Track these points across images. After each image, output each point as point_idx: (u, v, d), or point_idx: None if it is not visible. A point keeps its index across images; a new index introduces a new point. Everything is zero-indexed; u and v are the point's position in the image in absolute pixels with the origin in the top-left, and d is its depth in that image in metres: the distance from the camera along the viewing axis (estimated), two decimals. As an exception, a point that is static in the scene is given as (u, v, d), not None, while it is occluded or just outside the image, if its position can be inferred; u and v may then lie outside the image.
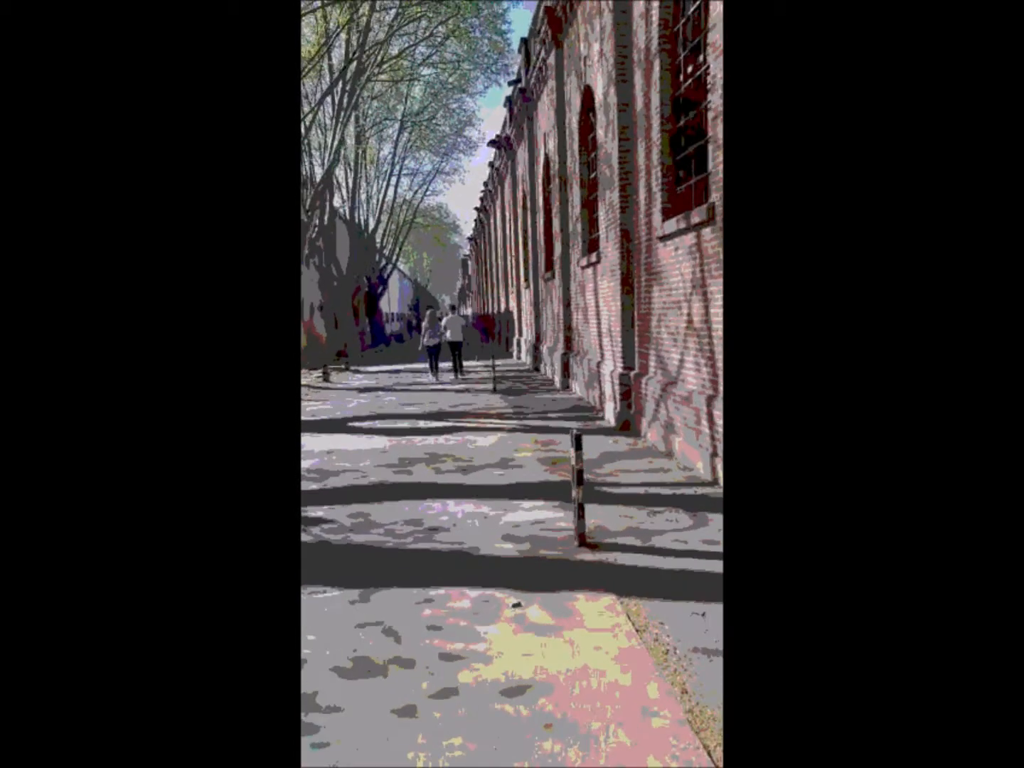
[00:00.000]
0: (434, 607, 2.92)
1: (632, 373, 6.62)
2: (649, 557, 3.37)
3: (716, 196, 4.46)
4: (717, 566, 3.18)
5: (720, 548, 3.43)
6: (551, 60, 10.04)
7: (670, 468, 5.10)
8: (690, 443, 5.03)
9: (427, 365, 13.69)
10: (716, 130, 4.40)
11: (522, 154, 14.72)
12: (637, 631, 2.64)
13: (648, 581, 3.08)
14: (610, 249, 7.05)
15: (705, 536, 3.62)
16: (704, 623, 2.68)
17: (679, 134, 5.52)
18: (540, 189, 12.65)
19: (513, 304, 18.49)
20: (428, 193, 30.45)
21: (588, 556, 3.42)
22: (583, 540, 3.57)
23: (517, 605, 2.90)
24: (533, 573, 3.24)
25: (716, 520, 3.85)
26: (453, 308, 16.36)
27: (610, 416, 7.09)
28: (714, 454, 4.60)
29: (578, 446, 3.52)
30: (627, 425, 6.69)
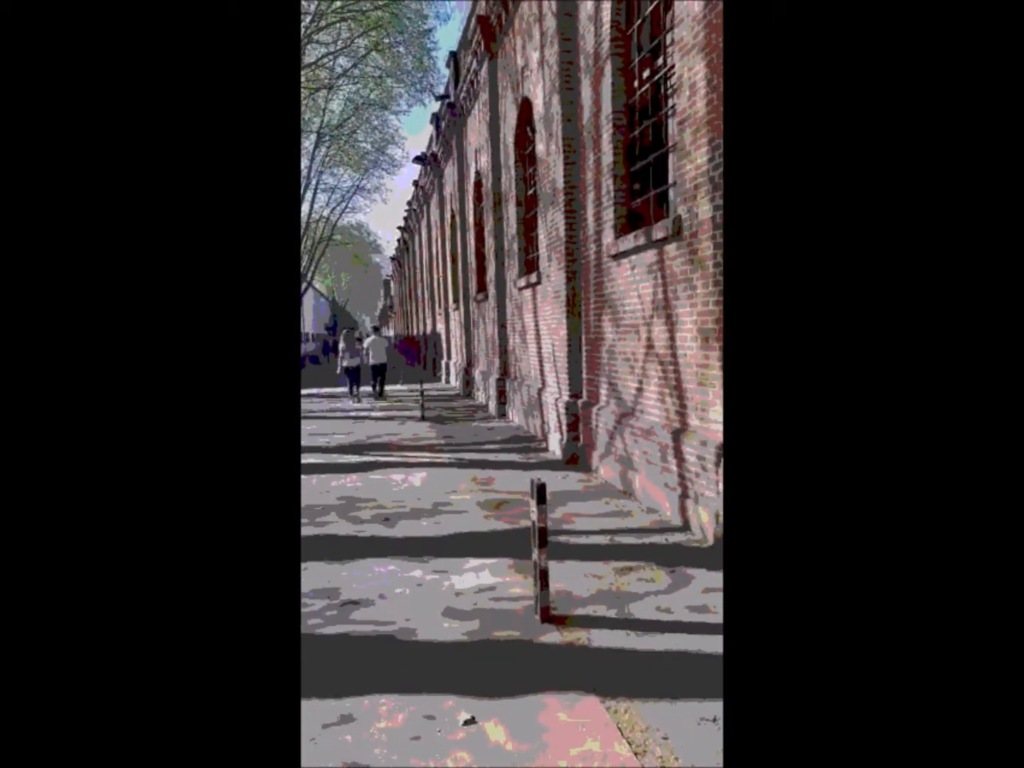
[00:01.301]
0: (354, 729, 2.14)
1: (580, 402, 6.08)
2: (629, 635, 2.73)
3: (682, 208, 4.02)
4: (714, 643, 2.59)
5: (711, 618, 2.85)
6: (484, 72, 9.59)
7: (632, 510, 4.53)
8: (654, 482, 4.49)
9: (346, 389, 13.12)
10: (683, 137, 3.97)
11: (450, 171, 14.19)
12: (635, 754, 1.98)
13: (635, 671, 2.45)
14: (553, 269, 6.54)
15: (689, 600, 3.05)
16: (718, 733, 2.07)
17: (633, 144, 5.10)
18: (471, 207, 12.12)
19: (441, 326, 17.76)
20: (348, 210, 29.36)
21: (555, 637, 2.74)
22: (547, 615, 2.89)
23: (470, 721, 2.17)
24: (488, 666, 2.52)
25: (698, 577, 3.30)
26: (376, 329, 15.54)
27: (555, 448, 6.51)
28: (684, 495, 4.08)
29: (541, 498, 2.86)
30: (575, 459, 6.12)
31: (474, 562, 3.67)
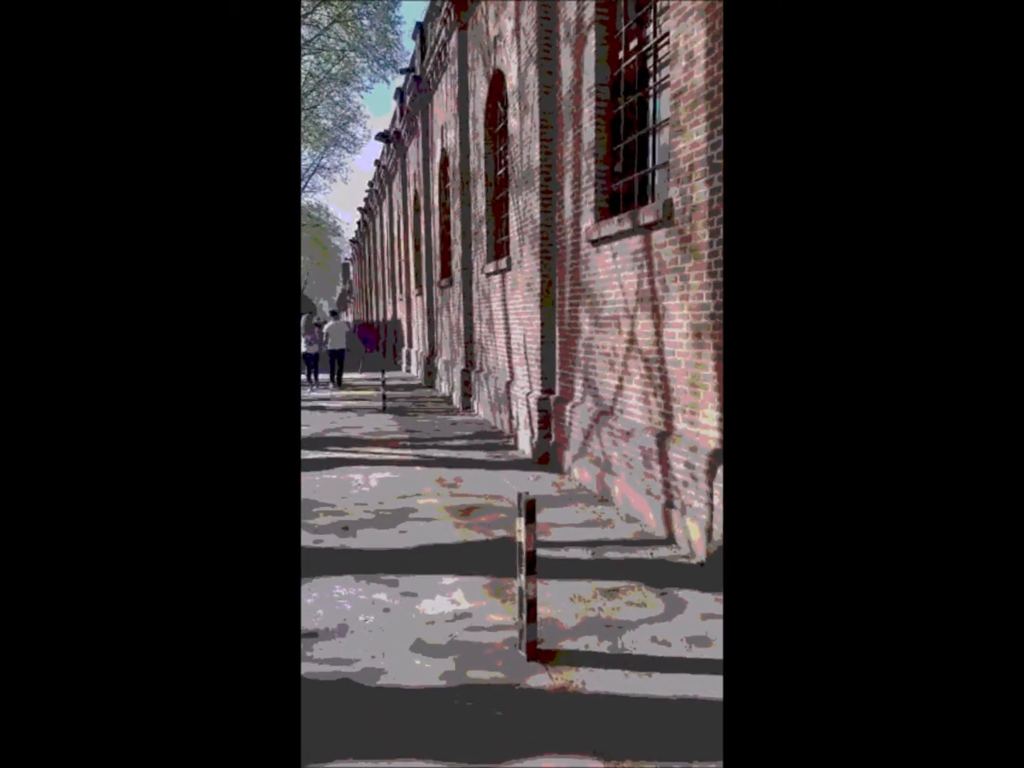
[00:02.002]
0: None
1: (553, 397, 5.73)
2: (628, 676, 2.40)
3: (674, 191, 3.68)
4: (719, 685, 2.29)
5: (713, 652, 2.55)
6: (453, 43, 9.04)
7: (611, 519, 4.22)
8: (635, 488, 4.19)
9: (304, 376, 12.56)
10: (677, 111, 3.62)
11: (414, 150, 13.55)
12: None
13: (640, 724, 2.11)
14: (525, 255, 6.14)
15: (687, 629, 2.74)
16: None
17: (617, 120, 4.73)
18: (436, 188, 11.56)
19: (402, 312, 17.13)
20: (307, 190, 28.16)
21: (544, 679, 2.39)
22: (533, 651, 2.54)
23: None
24: (469, 721, 2.15)
25: (692, 602, 3.00)
26: (335, 314, 14.88)
27: (525, 446, 6.15)
28: (668, 504, 3.78)
29: (530, 516, 2.49)
30: (546, 458, 5.78)
31: (446, 580, 3.28)
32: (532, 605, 2.52)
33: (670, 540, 3.75)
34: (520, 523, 2.50)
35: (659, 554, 3.58)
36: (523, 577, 2.51)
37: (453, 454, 6.29)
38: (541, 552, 3.62)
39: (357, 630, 2.80)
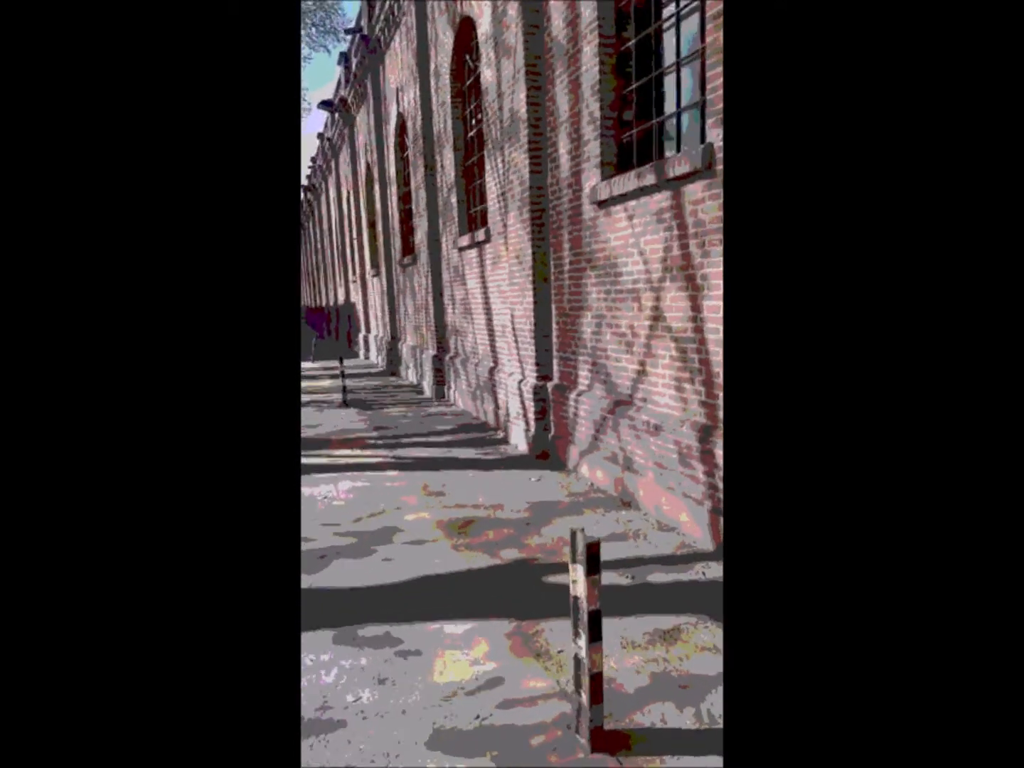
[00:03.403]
0: None
1: (551, 385, 5.05)
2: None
3: (715, 134, 3.01)
4: None
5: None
6: (409, -9, 8.08)
7: (641, 528, 3.60)
8: (669, 491, 3.57)
9: None
10: (718, 37, 2.93)
11: (364, 117, 12.46)
12: None
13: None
14: (512, 223, 5.40)
15: (784, 684, 2.14)
16: None
17: (624, 58, 4.02)
18: (392, 157, 10.58)
19: (356, 295, 16.06)
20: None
21: (625, 784, 1.74)
22: (600, 738, 1.88)
23: None
24: None
25: (776, 641, 2.40)
26: (284, 299, 13.68)
27: (519, 440, 5.47)
28: (716, 510, 3.18)
29: (592, 566, 1.80)
30: (545, 454, 5.11)
31: (456, 628, 2.59)
32: (598, 680, 1.86)
33: (719, 553, 3.15)
34: (578, 572, 1.82)
35: (712, 573, 2.98)
36: (584, 644, 1.84)
37: (435, 453, 5.54)
38: (562, 579, 2.96)
39: (346, 719, 2.07)
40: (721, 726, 1.95)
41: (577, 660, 1.89)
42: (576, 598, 1.85)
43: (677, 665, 2.27)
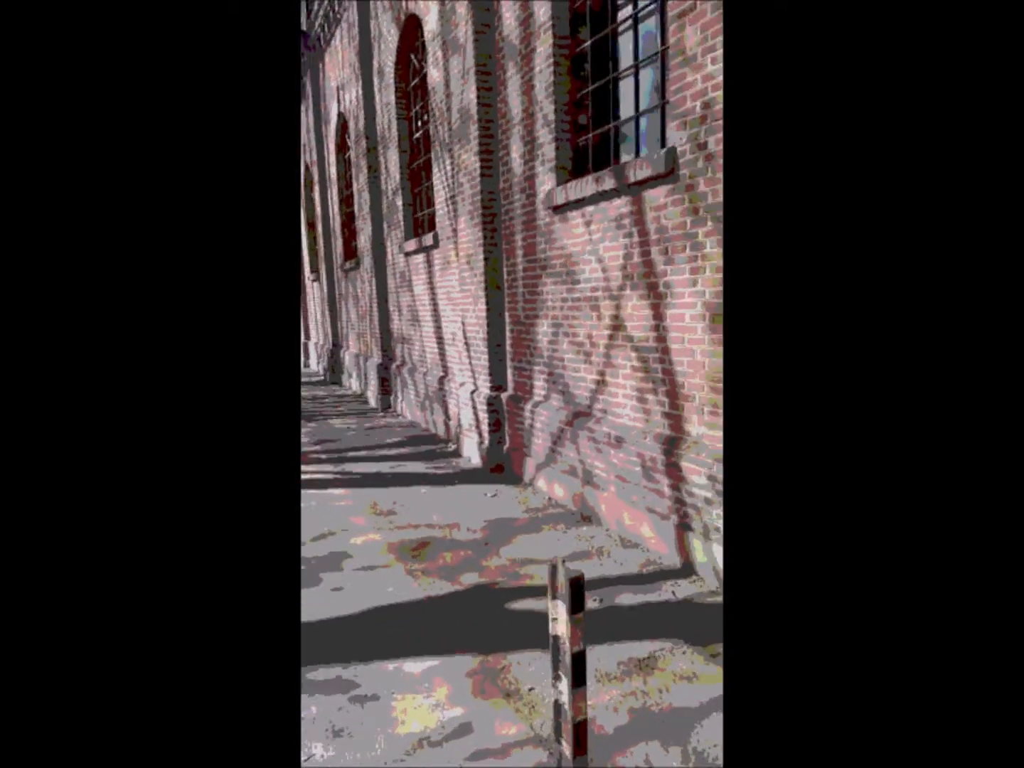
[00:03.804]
0: None
1: (505, 396, 4.88)
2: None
3: (678, 137, 2.93)
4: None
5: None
6: (350, -14, 7.78)
7: (604, 545, 3.47)
8: (633, 506, 3.46)
9: None
10: (683, 37, 2.86)
11: (304, 117, 11.97)
12: None
13: None
14: (462, 227, 5.21)
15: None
16: None
17: (580, 60, 3.92)
18: (332, 159, 10.19)
19: (295, 301, 15.39)
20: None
21: (615, 845, 1.57)
22: (586, 792, 1.70)
23: None
24: None
25: (755, 664, 2.30)
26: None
27: (472, 453, 5.26)
28: (683, 525, 3.09)
29: (576, 603, 1.64)
30: (500, 468, 4.93)
31: (416, 667, 2.36)
32: (582, 729, 1.69)
33: (688, 570, 3.06)
34: (559, 609, 1.65)
35: (683, 592, 2.87)
36: (566, 688, 1.66)
37: (383, 468, 5.26)
38: (529, 603, 2.79)
39: (304, 781, 1.82)
40: (709, 764, 1.82)
41: (557, 706, 1.71)
42: (556, 637, 1.68)
43: (657, 699, 2.14)
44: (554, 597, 1.67)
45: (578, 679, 1.65)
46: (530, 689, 2.21)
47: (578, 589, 1.62)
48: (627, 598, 2.84)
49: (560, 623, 1.65)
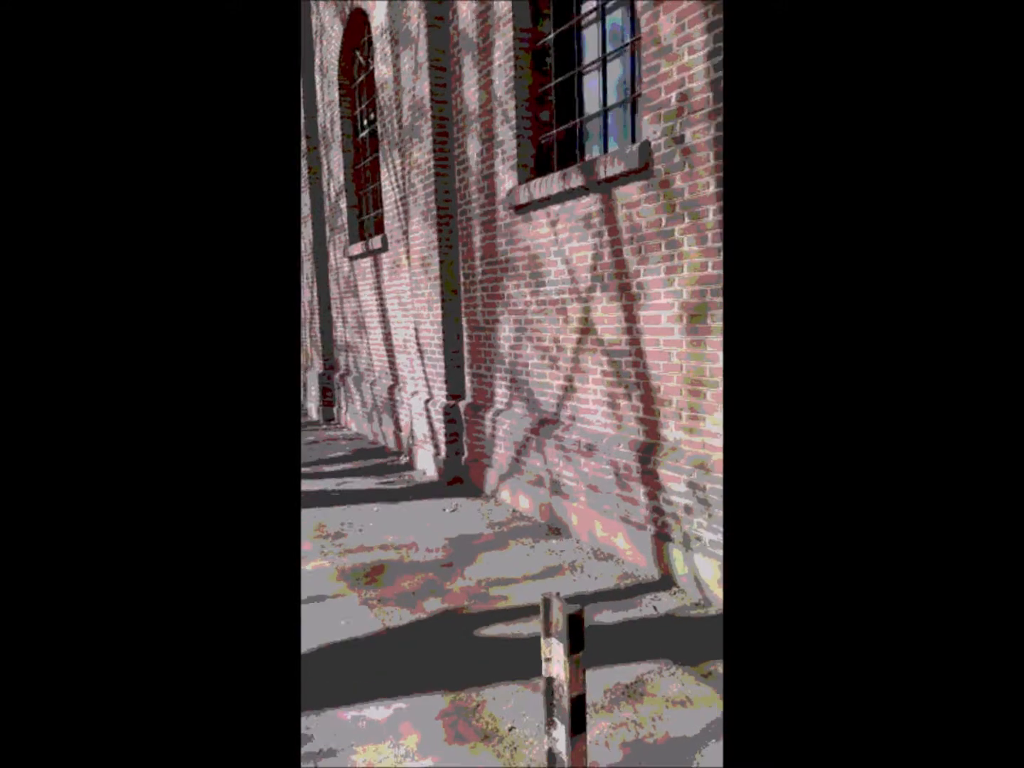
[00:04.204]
0: None
1: (463, 404, 4.64)
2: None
3: (652, 131, 2.82)
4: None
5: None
6: (290, -22, 7.42)
7: (577, 559, 3.27)
8: (605, 515, 3.28)
9: None
10: (656, 26, 2.75)
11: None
12: None
13: None
14: (415, 228, 4.95)
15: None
16: None
17: (542, 54, 3.78)
18: (271, 160, 9.69)
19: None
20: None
21: None
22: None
23: None
24: None
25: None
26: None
27: (427, 466, 4.97)
28: (661, 536, 2.93)
29: (575, 642, 1.42)
30: (459, 479, 4.67)
31: (378, 712, 2.08)
32: (588, 777, 1.47)
33: (668, 582, 2.90)
34: (554, 649, 1.43)
35: (665, 606, 2.71)
36: (563, 736, 1.44)
37: (329, 485, 4.89)
38: (499, 628, 2.56)
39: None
40: (720, 807, 1.63)
41: (552, 755, 1.49)
42: (551, 680, 1.46)
43: (651, 728, 1.94)
44: (548, 635, 1.45)
45: (577, 725, 1.44)
46: (510, 728, 1.98)
47: (577, 626, 1.41)
48: (607, 616, 2.64)
49: (555, 663, 1.43)
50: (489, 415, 4.26)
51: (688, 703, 2.06)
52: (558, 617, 1.42)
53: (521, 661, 2.32)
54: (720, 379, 2.63)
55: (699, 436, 2.76)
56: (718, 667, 2.24)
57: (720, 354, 2.62)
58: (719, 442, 2.67)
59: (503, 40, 3.82)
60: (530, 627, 2.57)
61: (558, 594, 1.46)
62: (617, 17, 3.25)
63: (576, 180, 3.24)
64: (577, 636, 1.41)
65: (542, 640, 1.47)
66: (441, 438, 4.67)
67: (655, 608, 2.70)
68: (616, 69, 3.29)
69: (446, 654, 2.39)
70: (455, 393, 4.71)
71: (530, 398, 3.93)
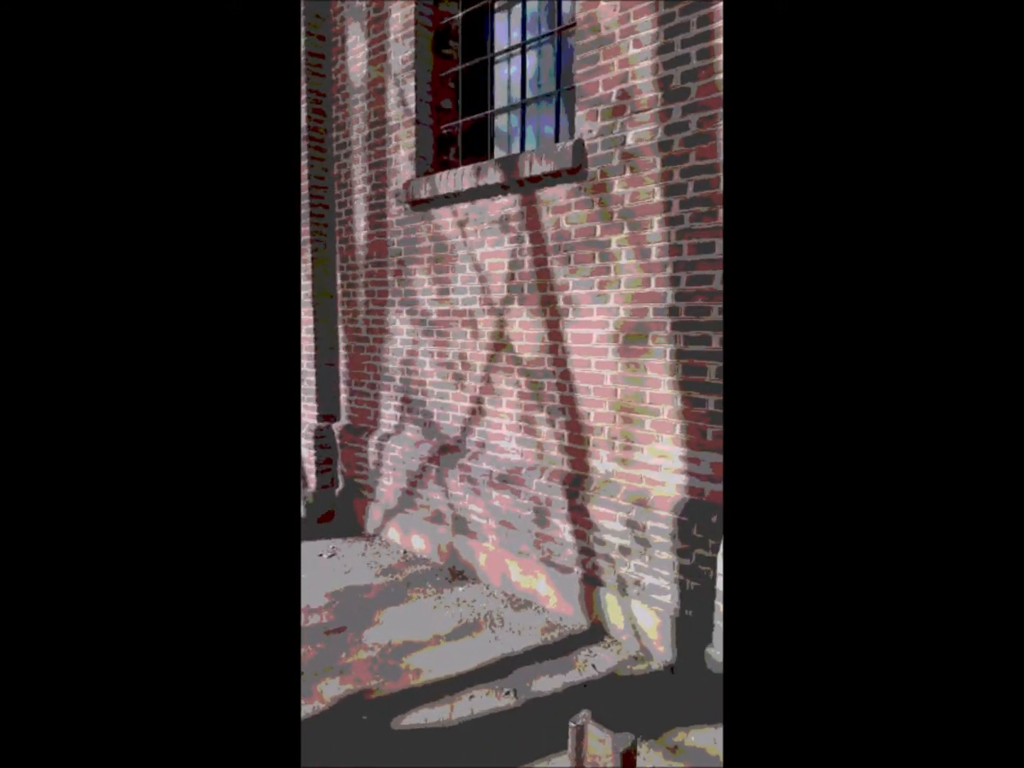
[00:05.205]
0: None
1: (338, 426, 3.98)
2: None
3: (587, 128, 2.55)
4: None
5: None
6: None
7: (493, 609, 2.83)
8: (522, 557, 2.90)
9: None
10: (595, 16, 2.49)
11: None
12: None
13: None
14: (275, 219, 4.20)
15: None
16: None
17: (445, 35, 3.36)
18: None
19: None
20: None
21: None
22: None
23: None
24: None
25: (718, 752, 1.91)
26: None
27: (288, 500, 4.20)
28: (590, 580, 2.64)
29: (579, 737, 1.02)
30: (331, 515, 4.00)
31: None
32: None
33: (598, 632, 2.60)
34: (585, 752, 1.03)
35: (602, 663, 2.39)
36: None
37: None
38: (420, 718, 2.07)
39: None
40: None
41: None
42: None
43: (635, 836, 1.60)
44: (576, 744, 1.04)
45: None
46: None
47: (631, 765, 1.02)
48: (544, 683, 2.27)
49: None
50: (373, 439, 3.68)
51: (663, 790, 1.75)
52: (599, 751, 1.02)
53: (469, 758, 1.85)
54: (661, 407, 2.41)
55: (635, 468, 2.52)
56: (685, 737, 1.98)
57: (663, 379, 2.41)
58: (660, 476, 2.44)
59: (401, 14, 3.34)
60: (460, 708, 2.11)
61: (589, 715, 1.06)
62: (533, 5, 2.96)
63: (493, 176, 2.87)
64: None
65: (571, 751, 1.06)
66: (310, 467, 3.98)
67: (593, 667, 2.37)
68: (536, 58, 2.99)
69: (358, 760, 1.84)
70: (328, 413, 4.04)
71: (428, 421, 3.44)
